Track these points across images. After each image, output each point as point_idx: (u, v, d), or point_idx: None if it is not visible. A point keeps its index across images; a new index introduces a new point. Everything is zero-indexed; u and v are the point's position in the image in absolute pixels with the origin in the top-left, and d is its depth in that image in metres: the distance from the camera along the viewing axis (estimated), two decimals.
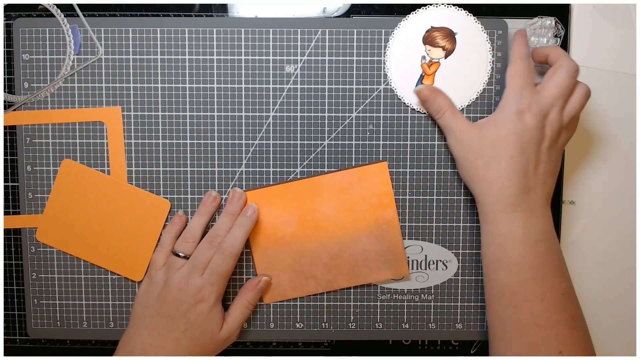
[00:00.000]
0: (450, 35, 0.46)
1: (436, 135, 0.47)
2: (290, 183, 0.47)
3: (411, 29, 0.46)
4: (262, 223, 0.47)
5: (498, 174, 0.41)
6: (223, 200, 0.48)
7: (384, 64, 0.46)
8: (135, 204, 0.47)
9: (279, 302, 0.49)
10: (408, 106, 0.47)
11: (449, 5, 0.46)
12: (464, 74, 0.46)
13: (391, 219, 0.47)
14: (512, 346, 0.41)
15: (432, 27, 0.46)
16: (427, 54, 0.46)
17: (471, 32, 0.46)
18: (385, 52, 0.46)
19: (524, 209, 0.41)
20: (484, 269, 0.44)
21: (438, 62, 0.46)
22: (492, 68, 0.46)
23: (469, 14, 0.46)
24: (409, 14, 0.46)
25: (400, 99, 0.47)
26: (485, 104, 0.47)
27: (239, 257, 0.45)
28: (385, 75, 0.47)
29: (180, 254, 0.45)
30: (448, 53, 0.46)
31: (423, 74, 0.46)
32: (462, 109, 0.47)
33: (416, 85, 0.46)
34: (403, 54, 0.46)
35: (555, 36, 0.47)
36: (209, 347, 0.44)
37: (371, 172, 0.47)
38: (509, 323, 0.41)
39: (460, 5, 0.47)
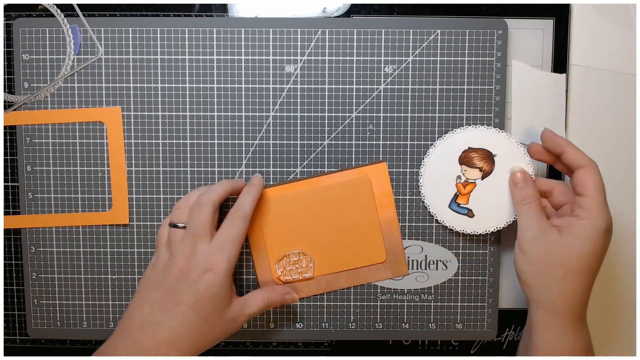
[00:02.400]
0: (489, 157, 0.45)
1: (436, 136, 0.47)
2: (289, 184, 0.47)
3: (448, 148, 0.46)
4: (261, 225, 0.47)
5: (580, 287, 0.40)
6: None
7: (418, 180, 0.47)
8: (335, 192, 0.47)
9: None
10: (440, 223, 0.47)
11: (489, 127, 0.46)
12: (501, 196, 0.45)
13: (391, 219, 0.47)
14: None
15: (469, 147, 0.46)
16: (463, 174, 0.46)
17: (512, 155, 0.45)
18: (420, 170, 0.47)
19: (583, 321, 0.42)
20: None
21: (474, 182, 0.45)
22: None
23: (510, 136, 0.45)
24: (446, 133, 0.46)
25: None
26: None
27: (248, 222, 0.42)
28: (387, 75, 0.47)
29: (179, 225, 0.42)
30: (485, 174, 0.45)
31: (457, 193, 0.46)
32: (498, 229, 0.46)
33: (449, 205, 0.46)
34: (438, 171, 0.46)
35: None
36: (216, 325, 0.41)
37: (371, 173, 0.47)
38: None
39: (460, 6, 0.47)
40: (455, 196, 0.46)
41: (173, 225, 0.43)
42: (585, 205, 0.40)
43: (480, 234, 0.46)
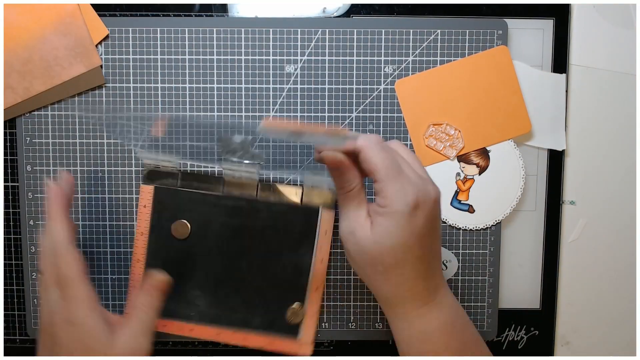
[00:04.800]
0: (484, 152, 0.47)
1: None
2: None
3: None
4: None
5: (404, 277, 0.36)
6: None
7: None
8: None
9: None
10: (443, 221, 0.47)
11: None
12: (498, 189, 0.47)
13: (73, 10, 0.45)
14: None
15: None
16: (462, 171, 0.47)
17: (504, 150, 0.47)
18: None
19: (434, 299, 0.37)
20: None
21: (472, 178, 0.47)
22: (524, 184, 0.47)
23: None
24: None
25: None
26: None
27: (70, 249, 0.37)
28: (387, 75, 0.47)
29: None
30: (482, 170, 0.47)
31: (458, 190, 0.47)
32: (497, 222, 0.48)
33: (451, 202, 0.47)
34: (438, 170, 0.47)
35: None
36: None
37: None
38: None
39: (460, 6, 0.47)
40: (456, 193, 0.47)
41: None
42: (379, 191, 0.35)
43: (481, 228, 0.47)
